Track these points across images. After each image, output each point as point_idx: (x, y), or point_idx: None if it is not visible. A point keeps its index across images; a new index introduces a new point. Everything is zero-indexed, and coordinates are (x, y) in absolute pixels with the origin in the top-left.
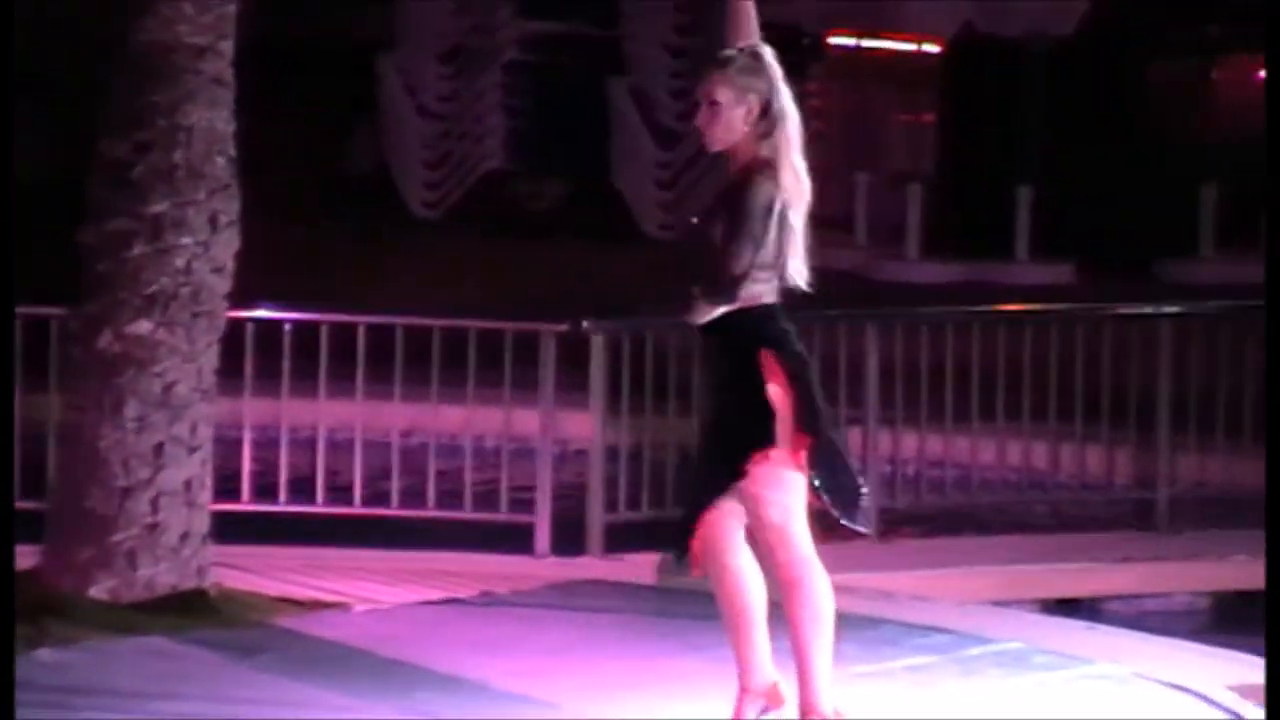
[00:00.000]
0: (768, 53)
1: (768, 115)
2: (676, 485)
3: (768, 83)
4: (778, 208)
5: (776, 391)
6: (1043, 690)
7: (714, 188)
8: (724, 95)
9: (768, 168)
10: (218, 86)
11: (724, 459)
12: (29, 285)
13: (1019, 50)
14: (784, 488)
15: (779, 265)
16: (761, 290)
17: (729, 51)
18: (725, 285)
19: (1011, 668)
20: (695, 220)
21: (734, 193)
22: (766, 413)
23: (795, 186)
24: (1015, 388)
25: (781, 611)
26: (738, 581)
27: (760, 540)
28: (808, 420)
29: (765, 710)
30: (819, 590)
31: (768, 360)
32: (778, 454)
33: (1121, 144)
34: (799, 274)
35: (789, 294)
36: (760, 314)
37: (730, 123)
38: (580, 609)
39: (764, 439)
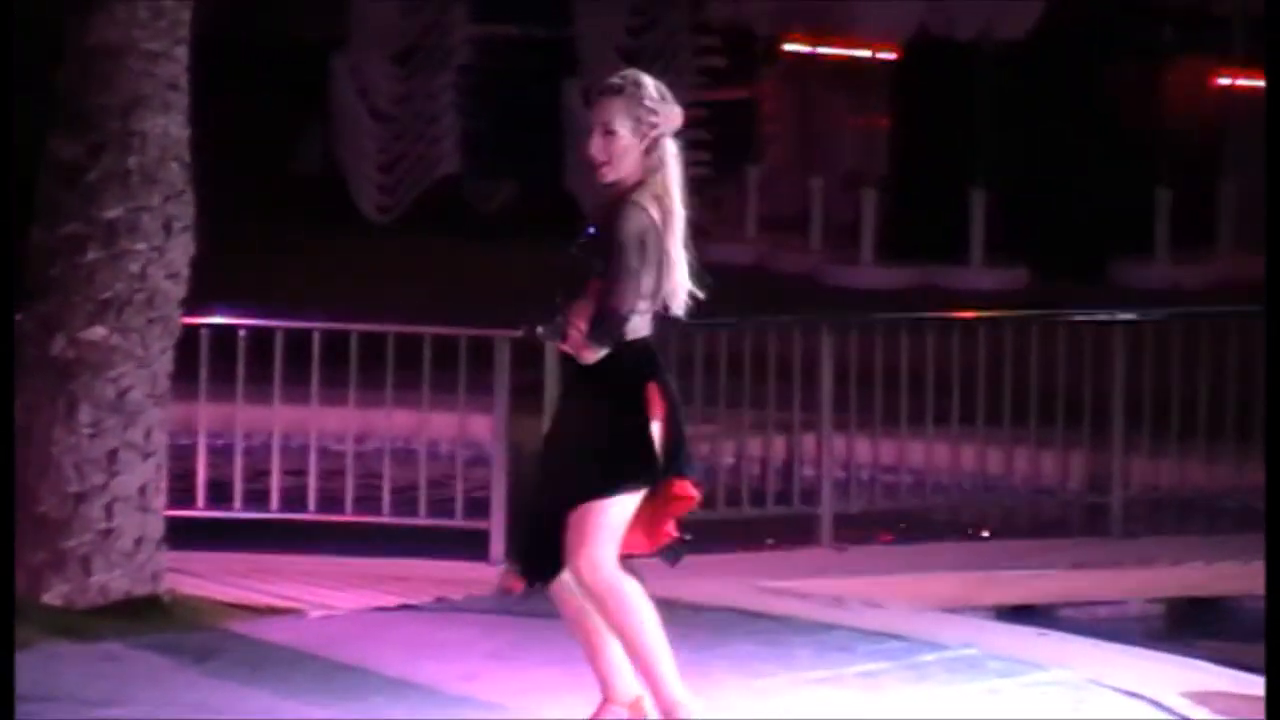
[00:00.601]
0: (651, 81)
1: (657, 146)
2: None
3: (659, 112)
4: (651, 239)
5: (659, 428)
6: (995, 697)
7: (596, 214)
8: (622, 124)
9: (643, 196)
10: (172, 91)
11: (597, 486)
12: None
13: (972, 53)
14: (623, 524)
15: (657, 297)
16: (640, 324)
17: (619, 79)
18: (612, 327)
19: (964, 674)
20: (582, 242)
21: (611, 224)
22: (649, 448)
23: (671, 215)
24: (969, 392)
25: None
26: (630, 597)
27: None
28: (679, 460)
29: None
30: (640, 595)
31: (653, 395)
32: (641, 491)
33: (1075, 147)
34: (678, 303)
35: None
36: (641, 347)
37: (627, 152)
38: (533, 614)
39: (643, 474)
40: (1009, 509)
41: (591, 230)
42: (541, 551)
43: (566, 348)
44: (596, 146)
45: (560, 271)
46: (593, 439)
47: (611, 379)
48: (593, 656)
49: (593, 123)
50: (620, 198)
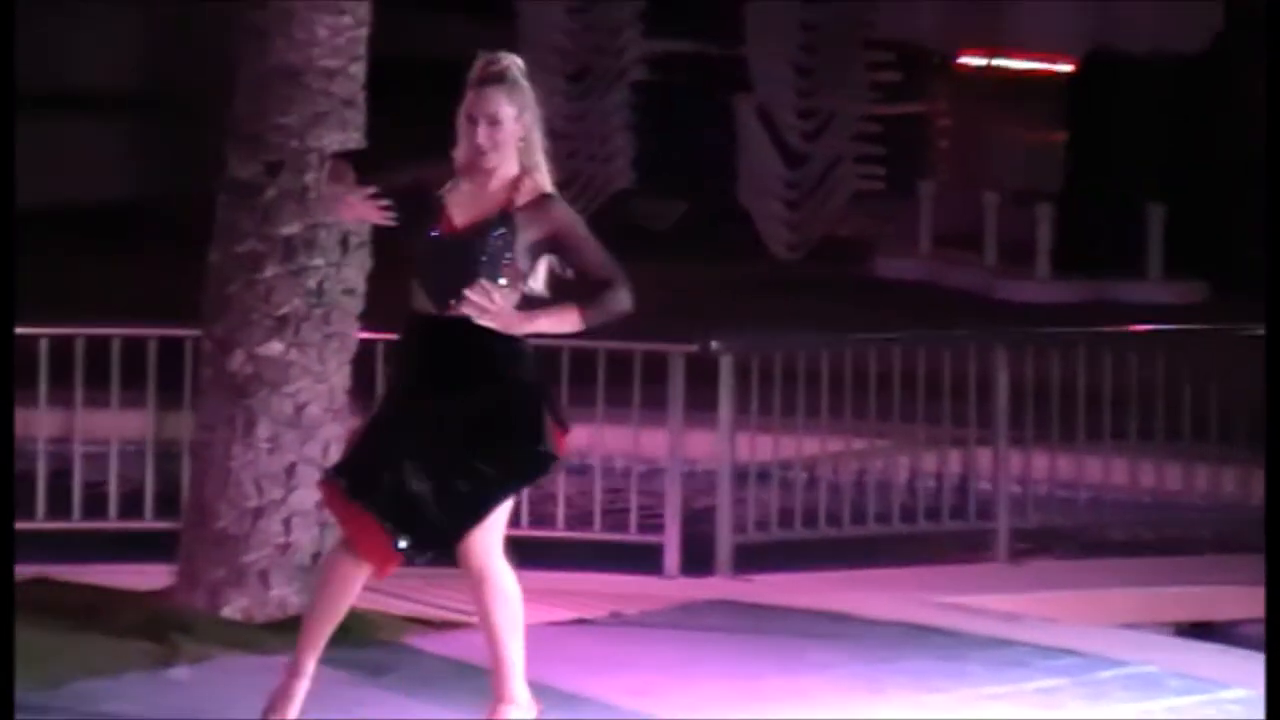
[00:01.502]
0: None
1: (532, 134)
2: (816, 501)
3: (532, 99)
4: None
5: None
6: (1174, 715)
7: (478, 202)
8: (506, 112)
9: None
10: (348, 109)
11: (506, 471)
12: (157, 304)
13: (1148, 66)
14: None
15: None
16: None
17: (496, 65)
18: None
19: (1142, 691)
20: (458, 233)
21: (555, 213)
22: (549, 437)
23: None
24: (1148, 407)
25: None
26: (509, 588)
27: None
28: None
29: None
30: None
31: (549, 392)
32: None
33: (1253, 160)
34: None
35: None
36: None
37: (510, 139)
38: (707, 629)
39: (545, 462)
40: (1188, 524)
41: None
42: (454, 516)
43: (493, 321)
44: (483, 135)
45: (730, 286)
46: (483, 411)
47: (518, 360)
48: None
49: (477, 114)
50: (532, 188)
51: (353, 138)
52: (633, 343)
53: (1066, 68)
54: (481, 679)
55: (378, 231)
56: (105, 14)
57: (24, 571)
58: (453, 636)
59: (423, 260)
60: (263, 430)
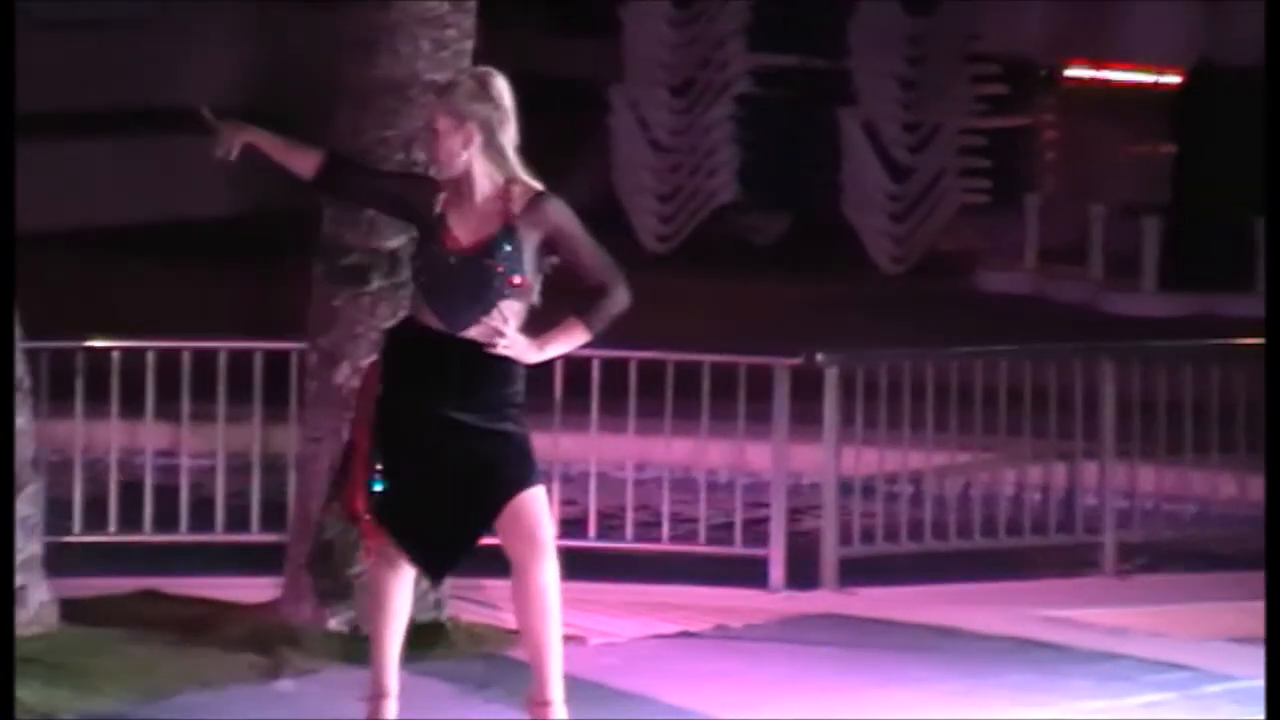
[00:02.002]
0: (498, 80)
1: (492, 142)
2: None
3: (491, 108)
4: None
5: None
6: None
7: (478, 218)
8: (442, 124)
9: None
10: None
11: (529, 478)
12: (253, 317)
13: (1256, 79)
14: None
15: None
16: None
17: (455, 78)
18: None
19: (1251, 705)
20: (467, 252)
21: (550, 212)
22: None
23: None
24: (1254, 421)
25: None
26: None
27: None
28: None
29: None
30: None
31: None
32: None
33: None
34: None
35: None
36: None
37: (451, 149)
38: (812, 643)
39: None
40: None
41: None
42: (445, 551)
43: (508, 350)
44: (427, 144)
45: (834, 300)
46: (515, 437)
47: (520, 378)
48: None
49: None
50: (523, 193)
51: None
52: (738, 356)
53: (1174, 79)
54: (586, 692)
55: None
56: (206, 30)
57: (132, 584)
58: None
59: (430, 276)
60: None
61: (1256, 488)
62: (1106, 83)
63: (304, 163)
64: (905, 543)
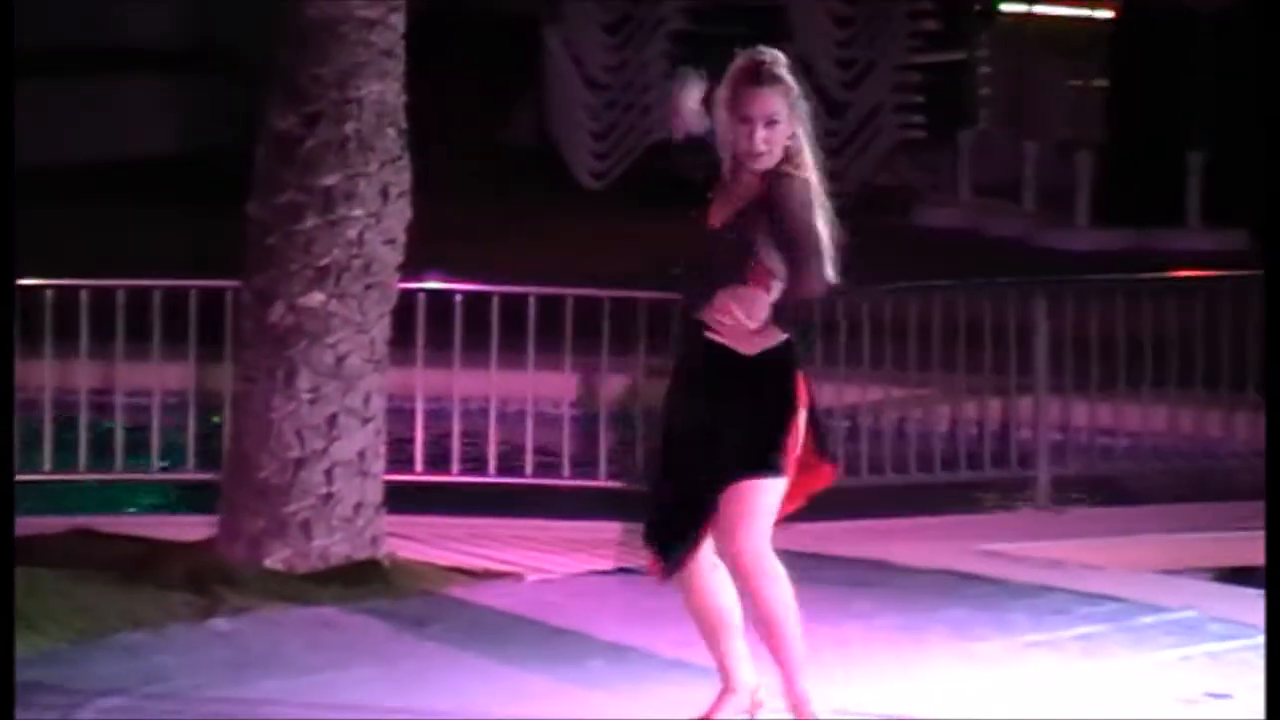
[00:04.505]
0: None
1: (799, 129)
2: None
3: (799, 94)
4: (815, 209)
5: (805, 416)
6: (1215, 659)
7: (733, 198)
8: (782, 112)
9: (792, 166)
10: (388, 59)
11: (758, 468)
12: (192, 256)
13: (1191, 14)
14: (776, 508)
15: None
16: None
17: (773, 63)
18: (807, 316)
19: (1183, 636)
20: (721, 228)
21: (771, 198)
22: (794, 438)
23: (818, 190)
24: (1187, 355)
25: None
26: (721, 588)
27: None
28: (826, 444)
29: (746, 711)
30: (787, 581)
31: (801, 385)
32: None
33: None
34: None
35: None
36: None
37: (782, 138)
38: None
39: (787, 464)
40: (1227, 471)
41: (741, 211)
42: (679, 535)
43: (722, 337)
44: (760, 136)
45: None
46: (750, 424)
47: (768, 367)
48: (715, 644)
49: (754, 115)
50: (765, 173)
51: (392, 88)
52: (671, 294)
53: (1107, 14)
54: (525, 630)
55: (416, 186)
56: None
57: (67, 523)
58: (496, 587)
59: (689, 260)
60: (304, 381)
61: (1187, 421)
62: (1041, 17)
63: None
64: (844, 478)
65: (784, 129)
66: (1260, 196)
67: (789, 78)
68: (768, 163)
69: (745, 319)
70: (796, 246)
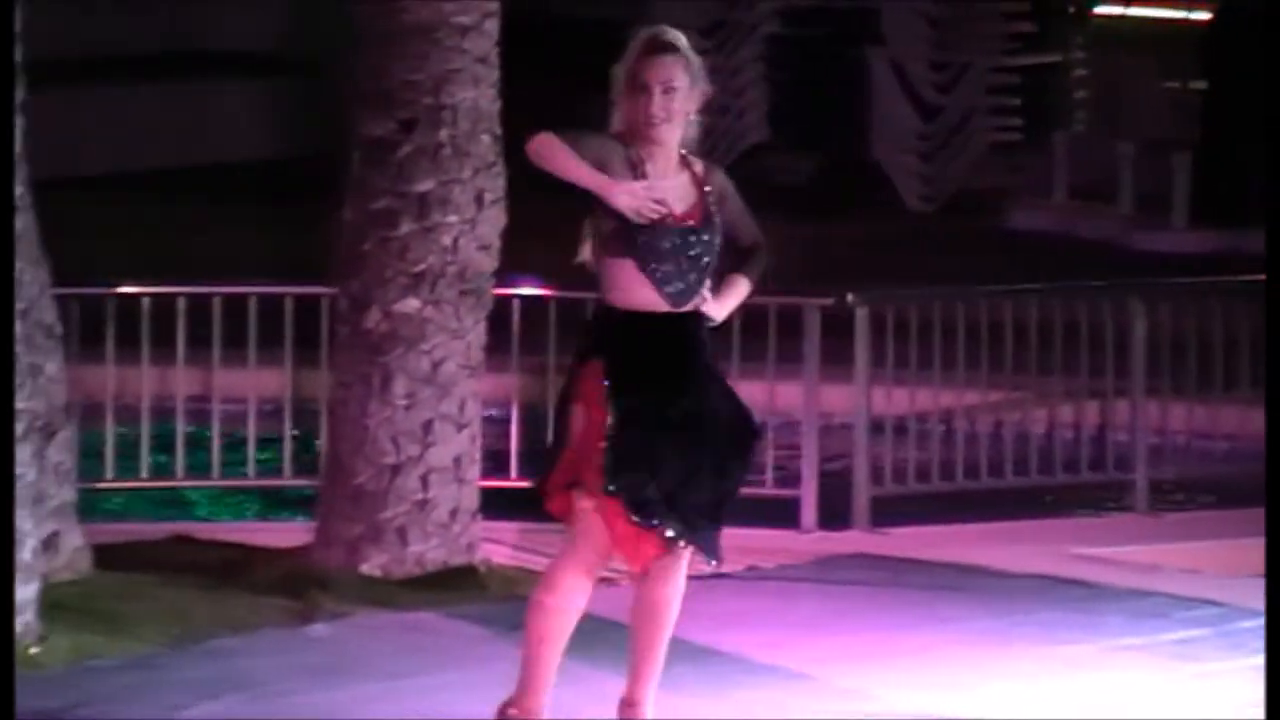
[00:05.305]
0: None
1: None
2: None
3: (704, 77)
4: None
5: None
6: None
7: (680, 187)
8: (681, 81)
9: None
10: (482, 65)
11: (739, 453)
12: (287, 261)
13: None
14: None
15: None
16: None
17: (671, 34)
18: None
19: None
20: (685, 220)
21: (723, 180)
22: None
23: None
24: None
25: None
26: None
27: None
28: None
29: None
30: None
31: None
32: None
33: None
34: None
35: None
36: None
37: (681, 111)
38: (844, 582)
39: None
40: None
41: (708, 195)
42: (714, 520)
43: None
44: (659, 104)
45: (864, 239)
46: (734, 410)
47: (704, 340)
48: (555, 656)
49: (651, 82)
50: (689, 160)
51: (486, 94)
52: (768, 297)
53: (1204, 15)
54: (616, 634)
55: (512, 188)
56: None
57: (165, 529)
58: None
59: (652, 252)
60: (399, 387)
61: None
62: (1137, 19)
63: None
64: (937, 482)
65: (682, 98)
66: None
67: (688, 51)
68: (666, 134)
69: (717, 305)
70: (759, 235)
